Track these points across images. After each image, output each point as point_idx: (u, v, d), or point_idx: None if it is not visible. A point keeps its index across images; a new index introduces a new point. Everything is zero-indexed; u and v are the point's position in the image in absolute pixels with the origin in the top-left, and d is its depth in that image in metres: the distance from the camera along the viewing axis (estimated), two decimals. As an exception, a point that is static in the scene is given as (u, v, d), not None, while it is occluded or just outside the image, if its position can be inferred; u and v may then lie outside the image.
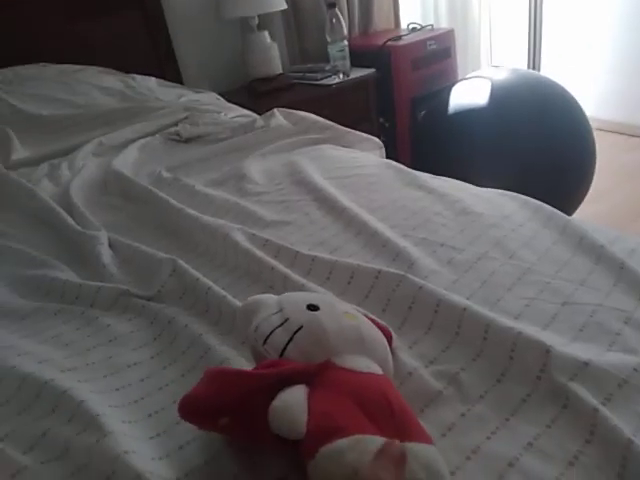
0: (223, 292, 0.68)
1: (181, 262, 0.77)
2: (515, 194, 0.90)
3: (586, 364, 0.51)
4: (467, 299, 0.63)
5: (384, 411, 0.42)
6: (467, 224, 0.80)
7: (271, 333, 0.48)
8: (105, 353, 0.66)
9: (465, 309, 0.59)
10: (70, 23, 1.93)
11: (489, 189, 0.94)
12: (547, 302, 0.62)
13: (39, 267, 0.90)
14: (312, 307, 0.50)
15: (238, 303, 0.65)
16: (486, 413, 0.50)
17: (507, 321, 0.57)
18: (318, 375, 0.44)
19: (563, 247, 0.72)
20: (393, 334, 0.58)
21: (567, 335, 0.57)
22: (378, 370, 0.48)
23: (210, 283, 0.71)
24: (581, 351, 0.53)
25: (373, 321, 0.55)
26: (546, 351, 0.52)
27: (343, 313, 0.50)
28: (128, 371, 0.62)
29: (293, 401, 0.42)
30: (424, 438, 0.42)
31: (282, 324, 0.48)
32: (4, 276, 0.91)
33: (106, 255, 0.87)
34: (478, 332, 0.56)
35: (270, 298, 0.54)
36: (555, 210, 0.81)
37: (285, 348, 0.46)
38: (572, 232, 0.75)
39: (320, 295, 0.60)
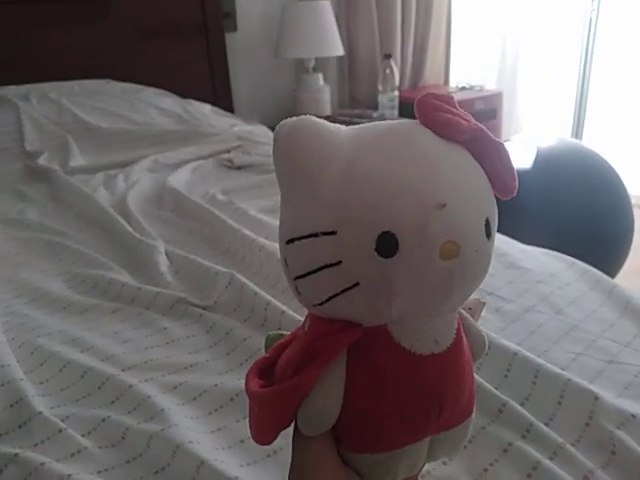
0: (283, 307, 0.71)
1: (239, 276, 0.80)
2: (560, 254, 0.92)
3: (633, 416, 0.53)
4: (514, 346, 0.65)
5: (429, 413, 0.34)
6: (515, 277, 0.83)
7: (312, 273, 0.30)
8: (162, 353, 0.69)
9: (516, 353, 0.61)
10: (138, 43, 2.04)
11: (534, 247, 0.97)
12: (593, 358, 0.65)
13: (97, 268, 0.94)
14: (386, 248, 0.29)
15: (298, 317, 0.68)
16: (530, 452, 0.51)
17: (556, 368, 0.59)
18: (361, 345, 0.32)
19: (609, 309, 0.75)
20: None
21: (612, 391, 0.59)
22: (448, 339, 0.34)
23: (269, 298, 0.74)
24: (628, 405, 0.55)
25: None
26: (595, 398, 0.54)
27: (440, 247, 0.29)
28: (185, 372, 0.65)
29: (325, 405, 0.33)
30: (461, 418, 0.37)
31: (333, 265, 0.30)
32: (61, 272, 0.95)
33: (163, 264, 0.91)
34: (528, 376, 0.59)
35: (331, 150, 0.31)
36: (602, 274, 0.84)
37: (325, 302, 0.31)
38: (618, 296, 0.77)
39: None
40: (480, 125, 0.34)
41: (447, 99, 0.34)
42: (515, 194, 0.34)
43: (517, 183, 0.34)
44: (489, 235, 0.32)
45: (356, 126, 0.34)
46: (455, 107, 0.34)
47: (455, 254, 0.30)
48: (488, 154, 0.33)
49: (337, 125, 0.33)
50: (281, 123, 0.32)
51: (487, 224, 0.32)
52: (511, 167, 0.34)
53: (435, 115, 0.33)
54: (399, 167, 0.30)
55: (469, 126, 0.33)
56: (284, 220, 0.33)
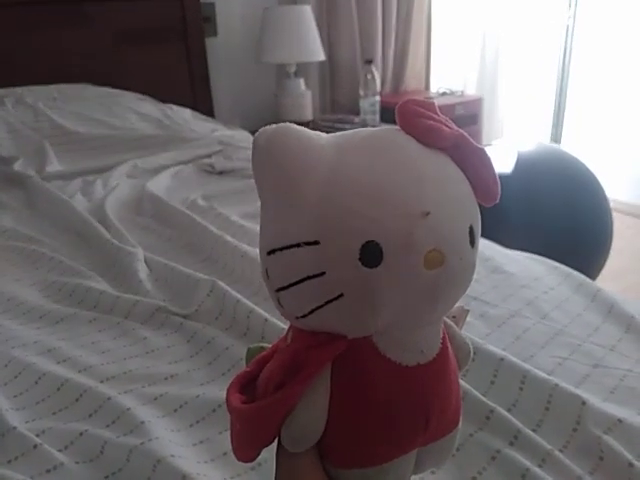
0: (266, 315, 0.70)
1: (221, 283, 0.79)
2: (543, 258, 0.92)
3: (620, 421, 0.53)
4: (500, 352, 0.64)
5: (416, 425, 0.33)
6: (499, 282, 0.83)
7: (294, 284, 0.29)
8: (142, 363, 0.67)
9: (502, 359, 0.60)
10: (117, 47, 2.02)
11: (517, 252, 0.97)
12: (579, 363, 0.64)
13: (74, 276, 0.92)
14: (370, 258, 0.28)
15: (281, 325, 0.67)
16: (518, 459, 0.51)
17: (543, 373, 0.58)
18: (345, 357, 0.31)
19: (593, 313, 0.75)
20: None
21: (599, 395, 0.59)
22: (434, 348, 0.33)
23: (252, 306, 0.72)
24: (614, 410, 0.55)
25: None
26: (582, 403, 0.53)
27: (424, 255, 0.28)
28: (165, 383, 0.64)
29: (310, 420, 0.31)
30: (448, 429, 0.36)
31: (316, 276, 0.29)
32: (37, 281, 0.93)
33: (142, 271, 0.89)
34: (515, 382, 0.58)
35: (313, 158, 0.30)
36: (585, 277, 0.84)
37: (308, 314, 0.30)
38: (602, 300, 0.77)
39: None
40: (462, 131, 0.33)
41: (428, 105, 0.33)
42: (498, 200, 0.34)
43: (499, 189, 0.33)
44: (473, 243, 0.31)
45: (337, 133, 0.33)
46: (436, 113, 0.33)
47: (440, 262, 0.29)
48: (470, 160, 0.32)
49: (318, 132, 0.32)
50: (260, 130, 0.31)
51: (471, 231, 0.31)
52: (493, 173, 0.33)
53: (417, 121, 0.32)
54: (382, 175, 0.29)
55: (451, 132, 0.32)
56: (264, 230, 0.31)
